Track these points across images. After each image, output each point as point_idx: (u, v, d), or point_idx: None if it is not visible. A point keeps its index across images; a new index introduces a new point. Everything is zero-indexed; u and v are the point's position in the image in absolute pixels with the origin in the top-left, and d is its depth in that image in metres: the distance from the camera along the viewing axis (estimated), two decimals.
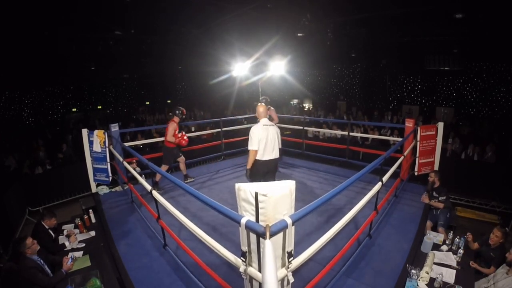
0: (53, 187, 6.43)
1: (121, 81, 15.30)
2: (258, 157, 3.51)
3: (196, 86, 17.32)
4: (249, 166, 3.57)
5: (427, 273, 2.72)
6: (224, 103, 14.84)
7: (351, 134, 5.88)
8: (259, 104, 3.86)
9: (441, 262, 3.00)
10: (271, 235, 1.41)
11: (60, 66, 10.69)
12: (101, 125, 10.75)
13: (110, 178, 4.71)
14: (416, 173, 4.73)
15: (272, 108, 5.42)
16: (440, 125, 4.63)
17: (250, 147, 3.52)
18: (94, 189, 4.86)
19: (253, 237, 1.62)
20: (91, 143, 4.66)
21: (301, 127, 6.45)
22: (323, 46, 9.16)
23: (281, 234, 1.60)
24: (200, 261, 2.47)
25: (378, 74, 12.68)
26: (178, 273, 2.82)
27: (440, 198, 3.98)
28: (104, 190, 4.87)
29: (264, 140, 3.46)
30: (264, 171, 3.54)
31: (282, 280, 1.72)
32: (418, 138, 4.55)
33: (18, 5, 5.29)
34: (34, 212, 6.19)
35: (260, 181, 3.11)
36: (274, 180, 3.62)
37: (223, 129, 6.39)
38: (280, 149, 3.75)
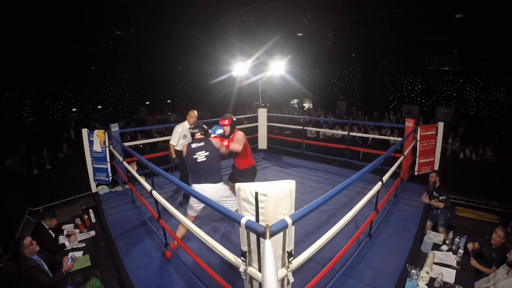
0: (53, 187, 6.44)
1: (121, 81, 15.29)
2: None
3: (196, 86, 17.30)
4: None
5: (427, 273, 2.71)
6: (224, 103, 14.84)
7: (351, 134, 5.88)
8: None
9: (441, 262, 3.00)
10: (271, 235, 1.41)
11: (60, 66, 10.68)
12: (100, 125, 10.75)
13: (110, 178, 4.72)
14: (416, 173, 4.73)
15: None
16: (440, 124, 4.63)
17: None
18: (94, 189, 4.86)
19: (253, 237, 1.62)
20: (91, 143, 4.66)
21: (301, 127, 6.45)
22: (323, 46, 9.16)
23: (281, 234, 1.59)
24: (200, 261, 2.46)
25: (378, 74, 12.68)
26: (178, 272, 2.82)
27: (440, 198, 3.98)
28: (104, 190, 4.87)
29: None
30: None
31: (282, 280, 1.71)
32: (418, 138, 4.55)
33: (18, 5, 5.29)
34: (34, 212, 6.20)
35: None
36: None
37: None
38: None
